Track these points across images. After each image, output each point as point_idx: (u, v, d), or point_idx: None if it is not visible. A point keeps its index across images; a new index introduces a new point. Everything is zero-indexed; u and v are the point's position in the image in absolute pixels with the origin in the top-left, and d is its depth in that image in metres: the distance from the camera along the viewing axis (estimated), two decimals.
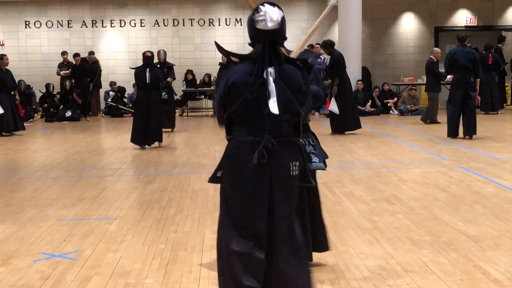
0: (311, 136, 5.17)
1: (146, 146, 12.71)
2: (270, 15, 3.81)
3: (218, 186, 4.05)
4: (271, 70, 3.82)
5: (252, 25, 3.88)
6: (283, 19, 3.84)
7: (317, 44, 20.04)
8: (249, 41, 3.97)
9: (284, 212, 3.85)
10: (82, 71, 20.00)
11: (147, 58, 12.79)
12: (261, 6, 3.85)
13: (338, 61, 14.28)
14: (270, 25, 3.81)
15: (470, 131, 12.98)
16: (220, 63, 17.17)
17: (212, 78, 20.52)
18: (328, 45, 14.49)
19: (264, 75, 3.81)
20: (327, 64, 16.51)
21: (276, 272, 3.81)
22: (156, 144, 12.77)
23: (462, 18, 22.51)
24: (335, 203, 7.59)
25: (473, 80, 13.05)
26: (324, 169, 5.14)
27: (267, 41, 3.85)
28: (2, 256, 5.76)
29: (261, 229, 3.80)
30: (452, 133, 13.13)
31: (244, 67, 3.88)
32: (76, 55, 20.20)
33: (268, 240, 3.80)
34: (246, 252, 3.76)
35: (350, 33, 18.39)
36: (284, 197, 3.86)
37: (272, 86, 3.81)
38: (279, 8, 3.86)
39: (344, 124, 14.33)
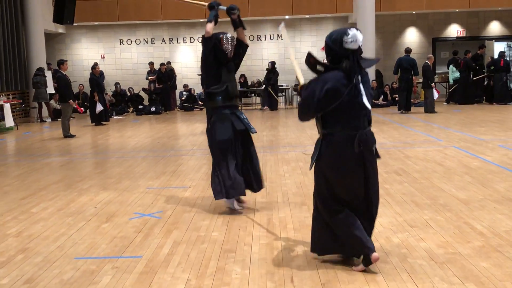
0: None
1: None
2: (358, 37, 3.93)
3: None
4: (358, 77, 3.95)
5: (341, 45, 3.95)
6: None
7: None
8: (328, 56, 4.05)
9: (375, 187, 4.11)
10: (166, 77, 20.16)
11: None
12: (349, 30, 3.96)
13: None
14: (359, 45, 3.97)
15: (408, 108, 16.39)
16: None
17: (258, 80, 20.54)
18: None
19: (355, 81, 3.93)
20: None
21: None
22: None
23: (454, 30, 21.97)
24: None
25: (411, 77, 16.16)
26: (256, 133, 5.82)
27: (355, 56, 3.96)
28: (106, 215, 5.88)
29: (360, 201, 4.06)
30: (400, 108, 16.30)
31: (336, 76, 3.94)
32: (162, 64, 20.34)
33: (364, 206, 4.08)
34: (354, 220, 4.03)
35: (366, 44, 18.03)
36: (375, 174, 4.10)
37: (362, 89, 3.94)
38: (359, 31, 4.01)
39: None
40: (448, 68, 19.88)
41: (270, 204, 6.13)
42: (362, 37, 3.95)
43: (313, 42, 21.99)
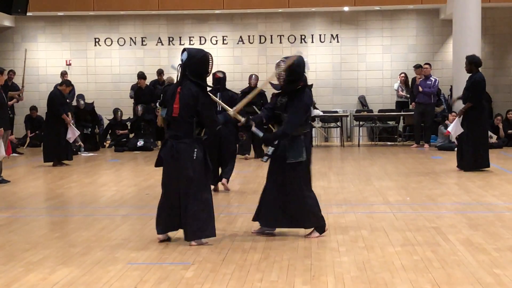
0: None
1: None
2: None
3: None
4: None
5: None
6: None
7: (425, 64, 19.72)
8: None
9: None
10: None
11: (218, 80, 12.15)
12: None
13: (476, 84, 13.85)
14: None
15: None
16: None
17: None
18: (473, 62, 14.10)
19: None
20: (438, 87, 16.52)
21: None
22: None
23: None
24: (449, 252, 7.43)
25: None
26: None
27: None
28: None
29: None
30: None
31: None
32: (160, 71, 20.70)
33: None
34: None
35: (467, 51, 17.54)
36: None
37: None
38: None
39: (475, 160, 13.87)
40: None
41: None
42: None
43: (385, 47, 22.08)
